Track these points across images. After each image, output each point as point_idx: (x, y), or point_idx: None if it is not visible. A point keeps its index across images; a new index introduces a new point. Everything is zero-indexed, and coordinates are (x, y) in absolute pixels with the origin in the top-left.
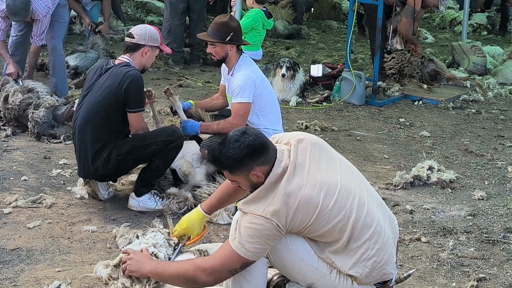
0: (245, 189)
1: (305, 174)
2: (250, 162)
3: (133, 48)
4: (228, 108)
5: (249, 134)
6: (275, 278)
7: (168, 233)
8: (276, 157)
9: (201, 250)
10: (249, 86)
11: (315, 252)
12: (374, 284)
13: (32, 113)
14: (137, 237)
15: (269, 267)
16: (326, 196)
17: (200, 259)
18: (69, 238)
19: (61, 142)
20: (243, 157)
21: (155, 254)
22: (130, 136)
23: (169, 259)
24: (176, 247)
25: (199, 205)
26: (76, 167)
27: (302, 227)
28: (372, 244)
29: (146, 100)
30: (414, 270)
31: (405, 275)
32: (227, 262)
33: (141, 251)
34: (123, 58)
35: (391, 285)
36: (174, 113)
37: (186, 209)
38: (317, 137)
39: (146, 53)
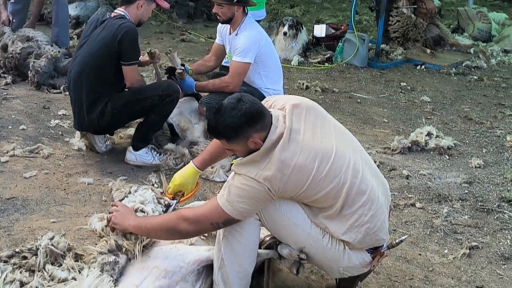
0: (241, 156)
1: (300, 140)
2: (248, 130)
3: (129, 0)
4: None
5: (245, 101)
6: (267, 239)
7: (162, 192)
8: (272, 123)
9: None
10: (253, 47)
11: (308, 216)
12: (366, 250)
13: (33, 62)
14: (130, 192)
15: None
16: (320, 163)
17: (184, 210)
18: (65, 189)
19: (60, 93)
20: (241, 125)
21: (141, 210)
22: (125, 90)
23: None
24: (168, 206)
25: (191, 161)
26: None
27: (295, 193)
28: (366, 211)
29: (149, 59)
30: (406, 236)
31: (397, 241)
32: (210, 215)
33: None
34: (119, 11)
35: (382, 250)
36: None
37: (183, 165)
38: (312, 102)
39: (141, 6)
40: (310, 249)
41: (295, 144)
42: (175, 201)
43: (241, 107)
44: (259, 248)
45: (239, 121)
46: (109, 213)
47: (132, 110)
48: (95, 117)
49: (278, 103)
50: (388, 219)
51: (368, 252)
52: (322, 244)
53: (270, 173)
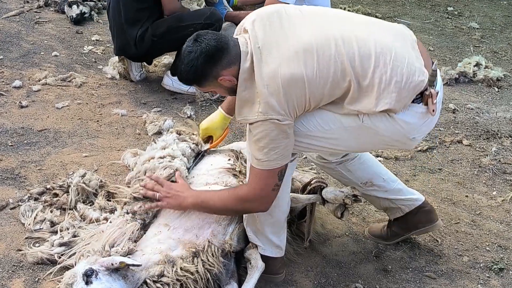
0: (224, 95)
1: (274, 52)
2: (213, 69)
3: None
4: None
5: (200, 41)
6: (313, 182)
7: (193, 134)
8: (240, 51)
9: (234, 150)
10: None
11: (335, 112)
12: (413, 101)
13: None
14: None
15: (310, 169)
16: (306, 60)
17: (239, 190)
18: (98, 121)
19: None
20: (203, 67)
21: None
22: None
23: (194, 161)
24: (198, 154)
25: (219, 106)
26: (109, 45)
27: (304, 104)
28: (383, 69)
29: None
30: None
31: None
32: (265, 183)
33: (174, 173)
34: None
35: (427, 92)
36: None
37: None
38: (273, 6)
39: None
40: (363, 140)
41: (270, 59)
42: (205, 147)
43: (196, 49)
44: (303, 193)
45: (200, 64)
46: (156, 195)
47: (172, 37)
48: (133, 43)
49: (245, 23)
50: (419, 55)
51: (417, 103)
52: (367, 127)
53: (266, 102)
